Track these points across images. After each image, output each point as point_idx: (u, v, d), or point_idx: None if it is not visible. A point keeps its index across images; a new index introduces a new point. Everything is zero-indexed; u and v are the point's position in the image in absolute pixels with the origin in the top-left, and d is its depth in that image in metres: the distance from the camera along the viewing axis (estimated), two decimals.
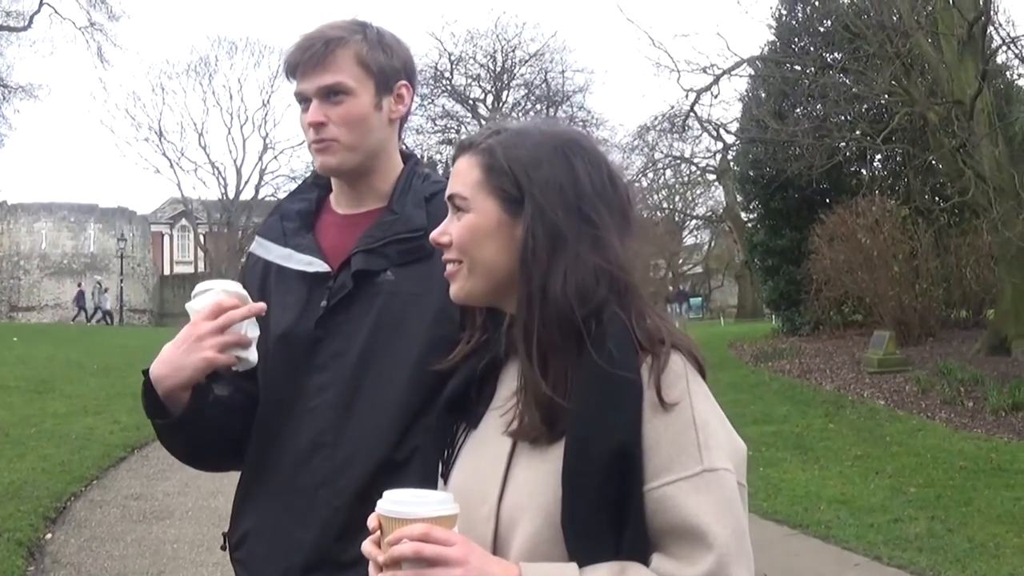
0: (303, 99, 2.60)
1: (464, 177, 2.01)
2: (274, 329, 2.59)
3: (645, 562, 1.78)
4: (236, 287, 2.47)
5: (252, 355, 2.43)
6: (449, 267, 2.04)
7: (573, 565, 1.78)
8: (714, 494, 1.78)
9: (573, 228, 1.91)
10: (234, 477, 2.71)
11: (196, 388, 2.44)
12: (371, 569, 1.80)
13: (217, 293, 2.42)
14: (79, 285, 61.22)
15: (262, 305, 2.45)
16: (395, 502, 1.77)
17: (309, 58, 2.54)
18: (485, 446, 2.00)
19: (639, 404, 1.81)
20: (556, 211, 1.91)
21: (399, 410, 2.45)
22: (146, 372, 2.42)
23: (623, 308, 1.89)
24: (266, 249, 2.72)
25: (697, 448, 1.80)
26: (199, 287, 2.48)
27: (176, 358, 2.38)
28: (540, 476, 1.86)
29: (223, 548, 2.71)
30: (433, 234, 2.08)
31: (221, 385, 2.56)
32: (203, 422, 2.49)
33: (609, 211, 1.95)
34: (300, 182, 2.93)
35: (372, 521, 1.80)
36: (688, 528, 1.76)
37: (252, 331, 2.43)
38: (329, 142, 2.56)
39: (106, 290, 62.30)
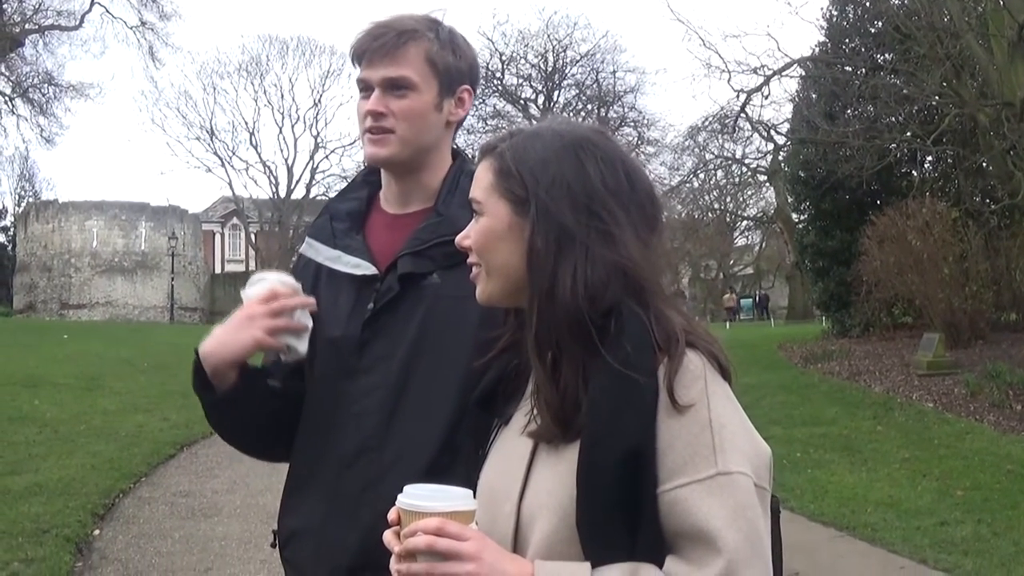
0: (365, 87, 2.57)
1: (480, 181, 2.02)
2: (323, 331, 2.60)
3: (660, 564, 1.76)
4: (290, 279, 2.56)
5: (303, 344, 2.51)
6: (473, 270, 2.05)
7: (587, 565, 1.77)
8: (727, 497, 1.75)
9: (582, 227, 1.89)
10: (282, 475, 2.73)
11: (244, 371, 2.51)
12: (392, 560, 1.82)
13: (272, 282, 2.52)
14: None
15: (312, 300, 2.53)
16: (413, 496, 1.79)
17: (379, 47, 2.52)
18: (512, 444, 2.00)
19: (654, 405, 1.79)
20: (563, 211, 1.89)
21: (445, 414, 2.44)
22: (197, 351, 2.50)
23: (641, 306, 1.87)
24: (316, 250, 2.72)
25: (712, 450, 1.77)
26: (254, 277, 2.58)
27: (225, 335, 2.48)
28: (558, 475, 1.85)
29: (272, 545, 2.72)
30: (457, 238, 2.09)
31: (274, 379, 2.62)
32: (249, 405, 2.56)
33: (624, 209, 1.92)
34: (350, 180, 2.92)
35: (392, 514, 1.82)
36: (698, 531, 1.73)
37: (305, 320, 2.51)
38: (386, 133, 2.54)
39: None
